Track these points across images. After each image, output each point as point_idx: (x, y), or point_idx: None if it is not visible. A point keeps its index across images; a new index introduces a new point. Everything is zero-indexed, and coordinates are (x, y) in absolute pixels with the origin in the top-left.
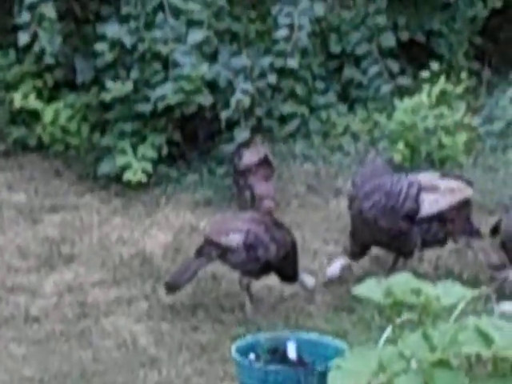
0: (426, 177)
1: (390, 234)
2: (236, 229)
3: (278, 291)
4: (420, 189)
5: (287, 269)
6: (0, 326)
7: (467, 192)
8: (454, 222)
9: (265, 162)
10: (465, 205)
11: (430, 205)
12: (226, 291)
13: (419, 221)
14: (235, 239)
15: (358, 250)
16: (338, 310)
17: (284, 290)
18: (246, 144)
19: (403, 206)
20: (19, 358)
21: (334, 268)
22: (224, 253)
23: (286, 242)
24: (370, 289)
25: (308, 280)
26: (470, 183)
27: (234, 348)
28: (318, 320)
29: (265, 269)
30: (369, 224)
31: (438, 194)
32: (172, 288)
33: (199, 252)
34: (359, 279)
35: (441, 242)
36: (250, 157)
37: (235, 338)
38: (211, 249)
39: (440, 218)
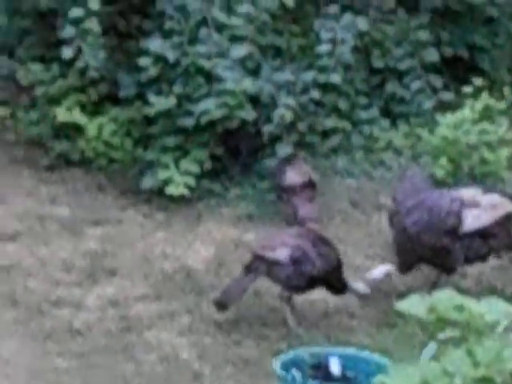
0: (469, 192)
1: (432, 250)
2: (283, 244)
3: (321, 306)
4: (462, 204)
5: (334, 282)
6: (44, 339)
7: (509, 207)
8: (496, 238)
9: (308, 183)
10: (507, 220)
11: (472, 220)
12: (269, 306)
13: (462, 237)
14: (282, 254)
15: (404, 265)
16: (381, 325)
17: (327, 305)
18: (289, 160)
19: (446, 222)
20: (63, 372)
21: (379, 272)
22: (271, 268)
23: (332, 257)
24: (413, 305)
25: (360, 286)
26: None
27: (276, 363)
28: (361, 335)
29: (310, 284)
30: (412, 240)
31: (480, 210)
32: (222, 305)
33: (248, 268)
34: (401, 295)
35: (483, 258)
36: (293, 176)
37: (278, 353)
38: (259, 264)
39: (482, 233)
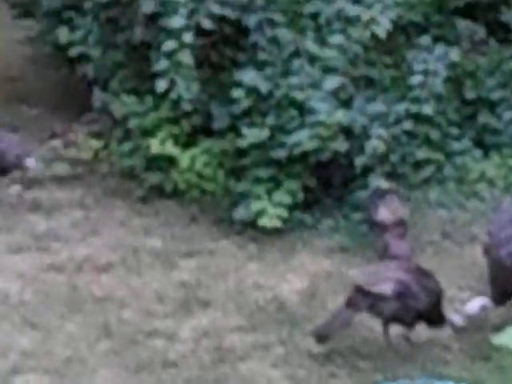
0: None
1: None
2: (387, 278)
3: (414, 338)
4: None
5: (435, 315)
6: (138, 370)
7: None
8: None
9: (400, 221)
10: None
11: None
12: (363, 338)
13: None
14: (386, 288)
15: (499, 296)
16: (475, 358)
17: (420, 337)
18: (381, 194)
19: None
20: None
21: (474, 305)
22: (375, 302)
23: (435, 290)
24: (510, 338)
25: (456, 319)
26: None
27: None
28: (456, 368)
29: (416, 318)
30: (507, 271)
31: None
32: (322, 338)
33: (350, 301)
34: (496, 327)
35: None
36: (386, 213)
37: None
38: (362, 298)
39: None
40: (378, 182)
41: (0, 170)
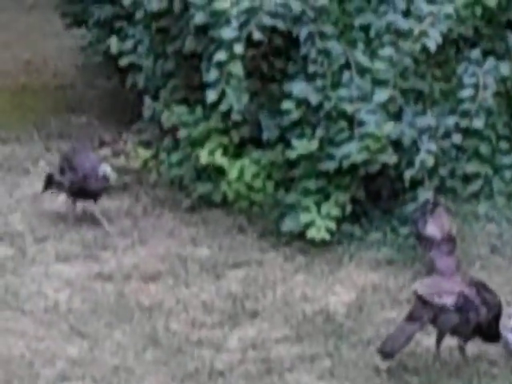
0: None
1: None
2: (449, 291)
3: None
4: None
5: (493, 330)
6: (185, 380)
7: None
8: None
9: (448, 237)
10: None
11: None
12: (410, 351)
13: None
14: (449, 301)
15: None
16: None
17: (467, 351)
18: (430, 207)
19: None
20: None
21: None
22: (437, 315)
23: (495, 304)
24: None
25: (511, 337)
26: None
27: None
28: (502, 383)
29: (475, 331)
30: None
31: None
32: (387, 355)
33: (412, 315)
34: None
35: None
36: (434, 228)
37: None
38: (425, 310)
39: None
40: (427, 195)
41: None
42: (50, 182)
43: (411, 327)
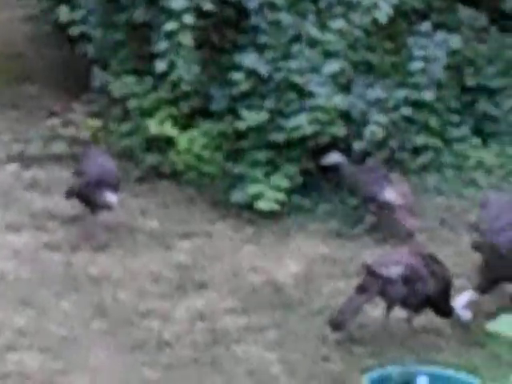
0: None
1: None
2: (396, 262)
3: (408, 324)
4: None
5: (443, 304)
6: (132, 350)
7: None
8: None
9: (408, 198)
10: None
11: None
12: (357, 323)
13: None
14: (395, 272)
15: (487, 284)
16: (469, 344)
17: (414, 323)
18: (385, 177)
19: None
20: (152, 383)
21: (462, 301)
22: (385, 286)
23: (444, 276)
24: (504, 324)
25: (464, 314)
26: None
27: (364, 380)
28: (449, 354)
29: (424, 303)
30: (503, 259)
31: None
32: (337, 326)
33: (362, 287)
34: (489, 314)
35: None
36: (393, 194)
37: (366, 370)
38: (373, 282)
39: None
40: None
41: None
42: None
43: (360, 299)
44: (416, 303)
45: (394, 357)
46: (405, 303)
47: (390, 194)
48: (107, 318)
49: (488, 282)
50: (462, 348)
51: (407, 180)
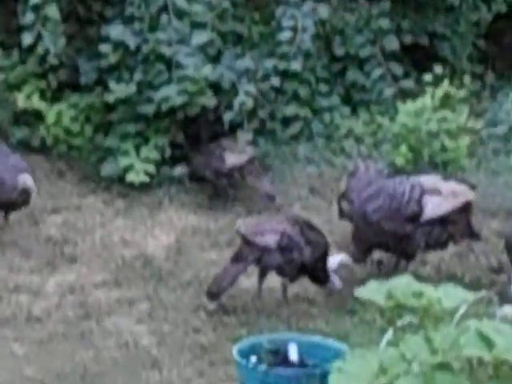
0: (429, 180)
1: (394, 237)
2: (272, 230)
3: (280, 293)
4: (423, 191)
5: (320, 272)
6: (2, 325)
7: (469, 195)
8: (455, 225)
9: (250, 160)
10: (467, 208)
11: (433, 208)
12: (228, 293)
13: (422, 223)
14: (271, 240)
15: (360, 253)
16: (340, 312)
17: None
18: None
19: (406, 209)
20: (21, 358)
21: (334, 261)
22: (261, 255)
23: (321, 243)
24: (372, 291)
25: (335, 280)
26: (472, 186)
27: (235, 350)
28: (320, 322)
29: (300, 271)
30: (373, 227)
31: (441, 198)
32: (214, 295)
33: (236, 256)
34: (361, 282)
35: (443, 245)
36: (235, 159)
37: (237, 340)
38: (248, 251)
39: (442, 220)
40: (246, 137)
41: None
42: None
43: (236, 268)
44: (292, 271)
45: (266, 326)
46: (281, 271)
47: (230, 159)
48: None
49: (360, 250)
50: (334, 316)
51: (276, 150)
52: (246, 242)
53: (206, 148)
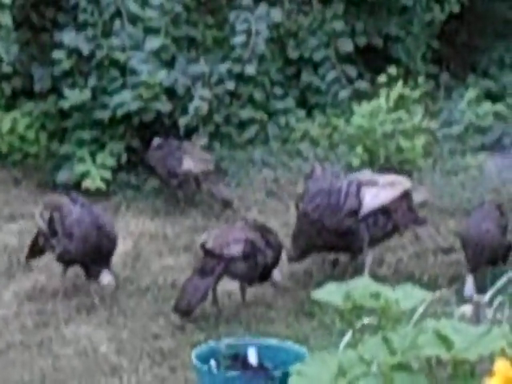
0: (365, 174)
1: (336, 234)
2: (235, 239)
3: (239, 297)
4: (360, 185)
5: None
6: None
7: (407, 184)
8: (398, 214)
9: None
10: (406, 196)
11: (371, 199)
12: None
13: (364, 216)
14: (236, 250)
15: (298, 253)
16: (299, 315)
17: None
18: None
19: (345, 204)
20: None
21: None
22: (228, 265)
23: (278, 244)
24: (330, 293)
25: (276, 274)
26: (409, 175)
27: (194, 355)
28: (279, 325)
29: (262, 274)
30: (315, 226)
31: (378, 188)
32: (185, 312)
33: (202, 269)
34: (319, 284)
35: (388, 235)
36: (191, 163)
37: (196, 345)
38: (216, 263)
39: (384, 210)
40: (202, 141)
41: None
42: None
43: (204, 282)
44: (255, 276)
45: (225, 330)
46: (246, 278)
47: (188, 163)
48: None
49: (299, 250)
50: (292, 319)
51: (232, 154)
52: (212, 255)
53: (167, 143)
